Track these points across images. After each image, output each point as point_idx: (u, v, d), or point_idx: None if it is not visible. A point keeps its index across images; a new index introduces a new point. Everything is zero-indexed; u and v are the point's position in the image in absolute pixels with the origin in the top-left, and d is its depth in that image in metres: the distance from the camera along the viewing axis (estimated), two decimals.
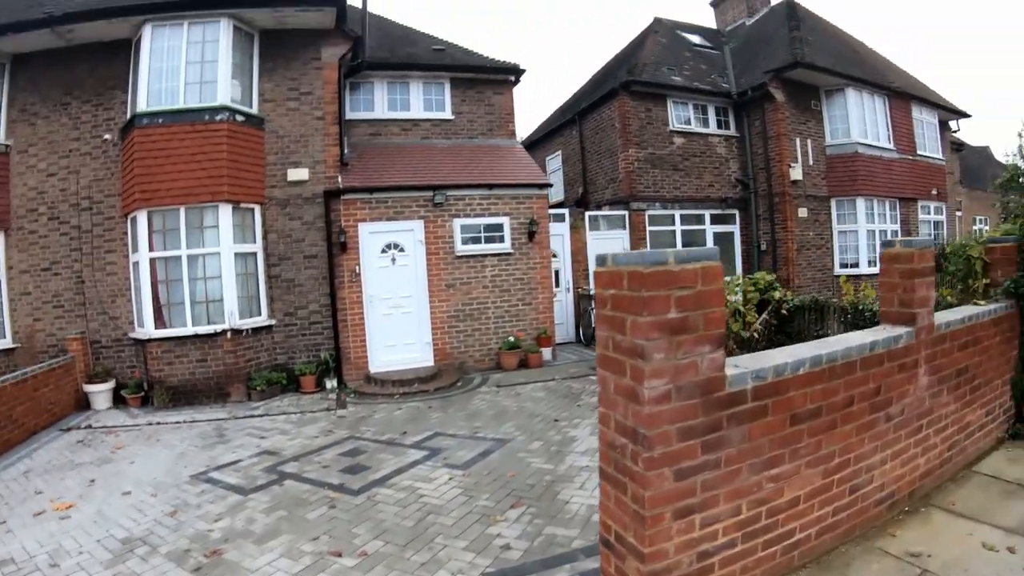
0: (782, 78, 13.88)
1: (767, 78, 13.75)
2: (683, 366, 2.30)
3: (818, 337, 8.27)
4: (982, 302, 4.78)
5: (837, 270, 14.54)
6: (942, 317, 3.92)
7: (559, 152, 17.18)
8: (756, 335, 8.21)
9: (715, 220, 14.30)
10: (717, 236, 14.25)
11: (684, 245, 13.55)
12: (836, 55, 15.25)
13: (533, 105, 64.28)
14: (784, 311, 8.71)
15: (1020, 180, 6.31)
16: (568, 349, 11.67)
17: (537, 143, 18.71)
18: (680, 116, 13.90)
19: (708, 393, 2.40)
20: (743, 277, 9.07)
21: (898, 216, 15.46)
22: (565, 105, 18.32)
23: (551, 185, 11.03)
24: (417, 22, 64.85)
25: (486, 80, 11.87)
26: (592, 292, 11.29)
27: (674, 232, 13.56)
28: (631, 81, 13.29)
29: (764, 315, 8.55)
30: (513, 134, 12.01)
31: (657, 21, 17.91)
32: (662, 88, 13.65)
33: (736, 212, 14.53)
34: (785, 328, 8.93)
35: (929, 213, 16.75)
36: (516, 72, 11.98)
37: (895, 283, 3.63)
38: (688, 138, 13.86)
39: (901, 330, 3.45)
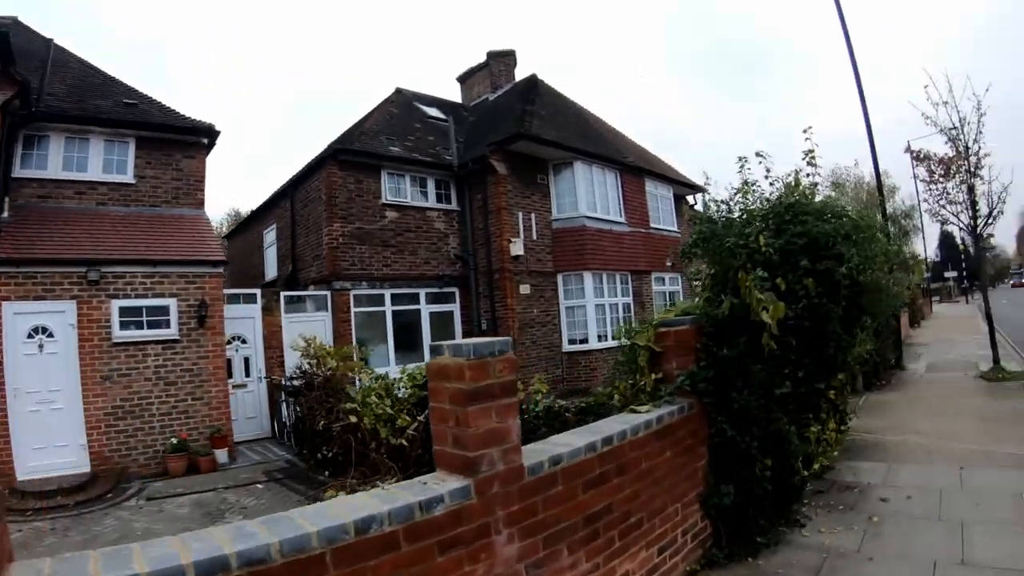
0: (507, 151, 17.79)
1: (489, 150, 17.47)
2: None
3: None
4: (643, 408, 4.80)
5: (566, 347, 18.15)
6: (554, 447, 3.87)
7: (275, 226, 19.97)
8: (406, 443, 8.85)
9: (432, 299, 17.73)
10: (435, 316, 17.63)
11: (397, 327, 16.58)
12: (570, 130, 20.01)
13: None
14: None
15: (706, 244, 6.43)
16: (259, 447, 13.72)
17: (257, 216, 21.75)
18: (395, 188, 17.29)
19: None
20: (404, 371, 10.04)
21: (630, 289, 20.07)
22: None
23: (226, 262, 13.49)
24: (136, 76, 66.32)
25: (177, 141, 13.79)
26: (284, 382, 12.88)
27: (385, 313, 16.11)
28: (340, 150, 16.38)
29: (422, 417, 9.10)
30: (201, 204, 14.12)
31: (398, 92, 22.04)
32: (375, 158, 16.94)
33: (456, 290, 18.07)
34: None
35: (664, 284, 21.07)
36: (210, 134, 14.18)
37: (446, 411, 3.30)
38: (403, 212, 17.14)
39: (444, 488, 3.10)
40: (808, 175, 6.92)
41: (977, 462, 7.30)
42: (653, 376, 5.23)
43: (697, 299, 6.21)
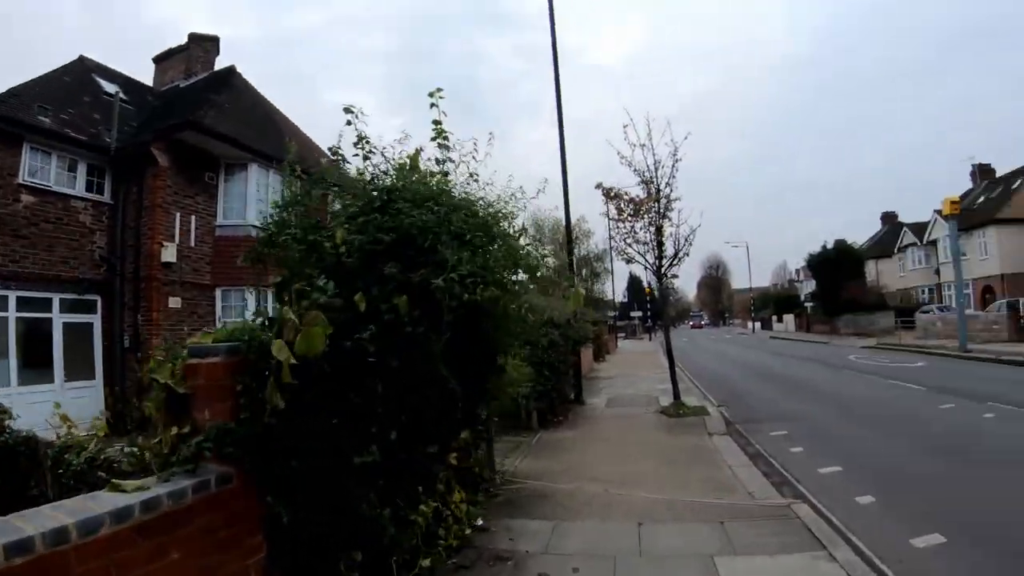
0: (174, 140, 16.04)
1: (152, 137, 15.76)
2: None
3: (32, 502, 6.84)
4: (131, 484, 3.41)
5: None
6: None
7: None
8: None
9: (69, 307, 15.21)
10: (71, 328, 15.16)
11: (25, 338, 14.02)
12: (255, 130, 18.59)
13: None
14: None
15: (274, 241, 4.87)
16: None
17: None
18: (37, 168, 14.63)
19: None
20: None
21: None
22: None
23: None
24: None
25: None
26: None
27: (7, 320, 13.68)
28: None
29: None
30: None
31: (81, 59, 19.03)
32: (16, 126, 14.11)
33: (98, 299, 15.87)
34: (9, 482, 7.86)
35: None
36: None
37: None
38: (43, 197, 14.67)
39: None
40: (440, 161, 5.53)
41: (659, 515, 6.82)
42: (175, 430, 3.76)
43: (255, 320, 4.32)
